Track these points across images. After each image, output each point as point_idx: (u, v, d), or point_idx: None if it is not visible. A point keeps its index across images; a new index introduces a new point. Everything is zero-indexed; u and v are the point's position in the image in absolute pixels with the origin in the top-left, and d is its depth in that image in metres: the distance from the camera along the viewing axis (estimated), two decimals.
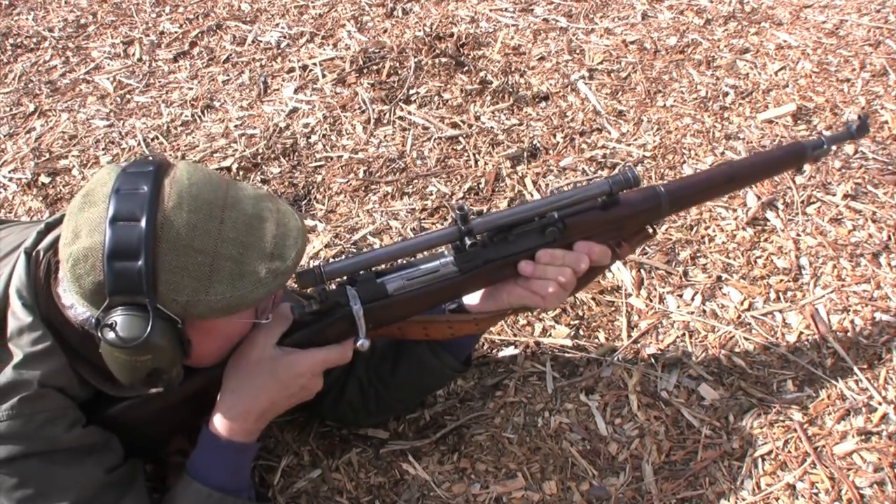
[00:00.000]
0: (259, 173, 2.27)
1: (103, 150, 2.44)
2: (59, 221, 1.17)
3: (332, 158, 2.31)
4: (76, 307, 1.06)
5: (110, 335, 1.00)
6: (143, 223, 0.98)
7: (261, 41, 2.91)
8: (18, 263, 1.14)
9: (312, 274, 1.16)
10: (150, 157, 1.07)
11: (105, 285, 0.99)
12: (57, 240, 1.10)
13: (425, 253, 1.28)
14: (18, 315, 1.11)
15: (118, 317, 1.00)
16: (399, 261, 1.28)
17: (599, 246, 1.30)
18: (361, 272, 1.24)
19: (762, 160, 1.49)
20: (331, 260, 1.69)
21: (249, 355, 1.19)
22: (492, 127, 2.35)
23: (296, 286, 1.29)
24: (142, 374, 1.05)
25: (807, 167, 2.10)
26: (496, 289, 1.32)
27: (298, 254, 1.09)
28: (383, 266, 1.26)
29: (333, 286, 1.25)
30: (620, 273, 1.86)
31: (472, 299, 1.36)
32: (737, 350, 1.68)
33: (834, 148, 1.50)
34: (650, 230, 1.38)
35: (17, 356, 1.10)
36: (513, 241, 1.28)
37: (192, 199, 1.03)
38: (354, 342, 1.22)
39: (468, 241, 1.21)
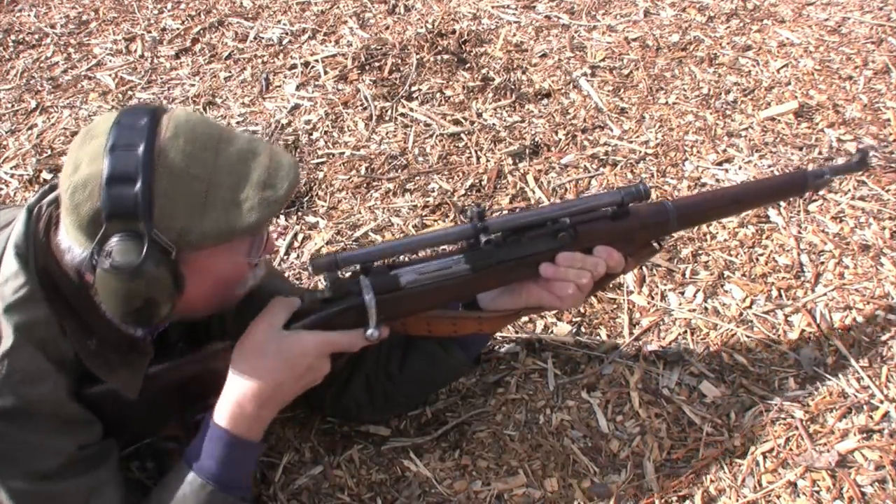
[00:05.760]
0: None
1: None
2: None
3: (333, 155, 2.31)
4: (73, 249, 1.08)
5: (106, 262, 1.02)
6: (140, 150, 1.02)
7: (263, 38, 2.91)
8: (18, 219, 1.17)
9: (327, 260, 1.18)
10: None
11: (102, 211, 1.01)
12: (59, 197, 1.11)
13: (440, 248, 1.29)
14: (8, 264, 1.13)
15: (114, 245, 1.02)
16: (413, 255, 1.28)
17: (617, 252, 1.32)
18: (376, 263, 1.25)
19: (767, 186, 1.53)
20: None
21: (255, 337, 1.20)
22: (494, 124, 2.35)
23: (310, 271, 1.32)
24: (135, 304, 1.06)
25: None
26: (515, 286, 1.35)
27: (291, 184, 1.11)
28: (393, 259, 1.27)
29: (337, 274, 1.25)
30: None
31: (488, 294, 1.38)
32: (738, 347, 1.68)
33: (836, 178, 1.54)
34: (656, 245, 1.40)
35: None
36: (525, 244, 1.29)
37: (188, 131, 1.06)
38: (364, 332, 1.23)
39: (483, 239, 1.23)
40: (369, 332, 1.23)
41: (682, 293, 1.81)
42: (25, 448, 1.12)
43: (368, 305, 1.22)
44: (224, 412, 1.20)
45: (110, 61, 2.89)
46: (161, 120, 1.07)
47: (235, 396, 1.19)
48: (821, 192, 2.00)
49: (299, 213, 2.12)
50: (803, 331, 1.70)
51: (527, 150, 2.25)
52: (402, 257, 1.35)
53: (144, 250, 1.01)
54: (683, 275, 1.85)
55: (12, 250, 1.13)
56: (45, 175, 2.33)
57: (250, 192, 1.07)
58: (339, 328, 1.23)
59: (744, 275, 1.83)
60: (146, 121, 1.05)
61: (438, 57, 2.63)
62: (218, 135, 1.10)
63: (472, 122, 2.36)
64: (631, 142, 2.26)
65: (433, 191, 2.15)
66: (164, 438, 1.34)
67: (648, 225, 1.36)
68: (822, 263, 1.84)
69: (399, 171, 2.22)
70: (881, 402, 1.54)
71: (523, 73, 2.57)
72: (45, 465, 1.14)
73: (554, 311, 1.77)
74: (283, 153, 1.15)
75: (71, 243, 1.08)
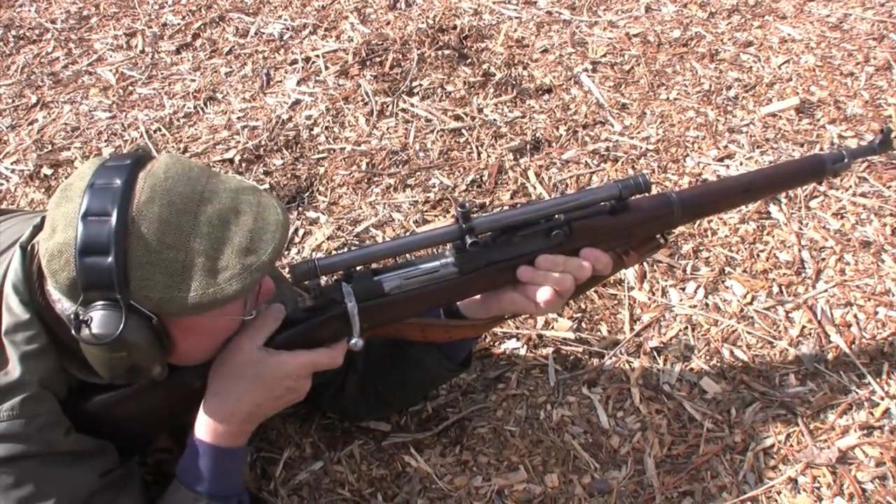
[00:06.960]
0: (262, 165, 2.27)
1: (105, 141, 2.44)
2: None
3: (334, 150, 2.30)
4: (62, 301, 1.06)
5: (85, 332, 0.99)
6: (113, 219, 0.98)
7: (263, 33, 2.90)
8: (14, 258, 1.13)
9: (307, 267, 1.13)
10: (135, 151, 1.05)
11: (78, 281, 0.99)
12: None
13: (426, 251, 1.23)
14: (15, 311, 1.10)
15: (94, 313, 0.99)
16: (398, 259, 1.23)
17: (605, 255, 1.25)
18: (358, 268, 1.19)
19: (780, 172, 1.44)
20: (331, 252, 1.66)
21: (234, 358, 1.16)
22: (494, 119, 2.35)
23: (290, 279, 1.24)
24: (120, 370, 1.05)
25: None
26: (489, 295, 1.28)
27: (276, 248, 1.06)
28: (380, 264, 1.22)
29: (324, 280, 1.20)
30: None
31: (464, 305, 1.32)
32: (739, 344, 1.68)
33: (855, 163, 1.44)
34: (660, 240, 1.32)
35: (13, 353, 1.10)
36: (517, 243, 1.22)
37: (164, 194, 1.01)
38: (347, 341, 1.18)
39: (469, 240, 1.16)
40: (353, 340, 1.18)
41: (683, 289, 1.81)
42: (52, 485, 1.13)
43: (351, 314, 1.16)
44: (204, 429, 1.19)
45: (111, 56, 2.89)
46: (137, 180, 1.02)
47: (214, 414, 1.18)
48: (821, 187, 2.00)
49: (300, 209, 2.12)
50: (804, 327, 1.70)
51: (528, 146, 2.25)
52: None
53: (122, 321, 0.99)
54: (684, 271, 1.85)
55: (14, 293, 1.11)
56: (46, 170, 2.33)
57: (231, 259, 1.03)
58: (322, 338, 1.19)
59: (745, 271, 1.83)
60: (120, 183, 1.00)
61: (439, 52, 2.62)
62: (198, 193, 1.04)
63: (473, 118, 2.36)
64: (632, 137, 2.25)
65: (434, 186, 2.15)
66: (157, 450, 1.34)
67: (650, 219, 1.28)
68: (823, 260, 1.84)
69: (400, 166, 2.22)
70: (882, 398, 1.54)
71: (524, 68, 2.57)
72: (72, 499, 1.14)
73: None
74: (272, 206, 1.09)
75: (59, 296, 1.06)
